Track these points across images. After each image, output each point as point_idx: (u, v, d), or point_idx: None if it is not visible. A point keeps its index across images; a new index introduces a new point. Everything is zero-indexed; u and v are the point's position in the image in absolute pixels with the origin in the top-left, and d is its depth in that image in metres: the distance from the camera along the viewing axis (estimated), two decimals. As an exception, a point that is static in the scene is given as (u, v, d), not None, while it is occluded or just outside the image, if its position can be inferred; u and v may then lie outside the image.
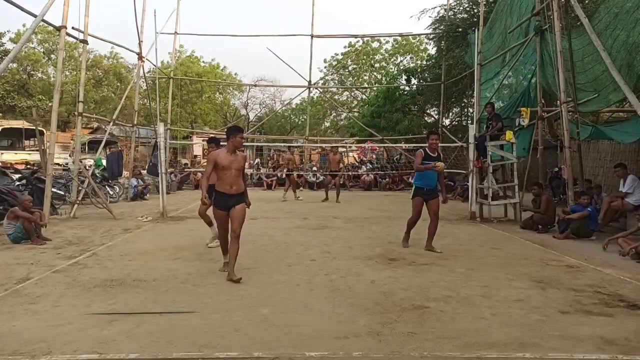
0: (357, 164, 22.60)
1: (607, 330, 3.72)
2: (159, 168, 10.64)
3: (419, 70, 22.42)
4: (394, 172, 19.29)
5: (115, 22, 35.76)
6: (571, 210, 8.13)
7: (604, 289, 4.86)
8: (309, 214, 10.79)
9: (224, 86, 33.56)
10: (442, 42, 19.09)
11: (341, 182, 15.17)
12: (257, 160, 23.50)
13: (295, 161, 17.96)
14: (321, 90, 28.61)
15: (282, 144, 27.32)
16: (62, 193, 11.45)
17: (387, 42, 29.04)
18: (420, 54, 27.69)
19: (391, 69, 28.71)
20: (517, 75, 12.26)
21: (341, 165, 15.95)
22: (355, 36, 25.68)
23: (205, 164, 23.02)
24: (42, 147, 11.15)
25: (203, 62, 33.07)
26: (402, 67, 26.44)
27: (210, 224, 6.65)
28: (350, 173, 19.32)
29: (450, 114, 22.30)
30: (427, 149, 6.92)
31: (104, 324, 3.80)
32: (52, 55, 29.95)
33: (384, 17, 59.52)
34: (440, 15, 19.13)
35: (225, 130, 6.10)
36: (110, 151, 17.85)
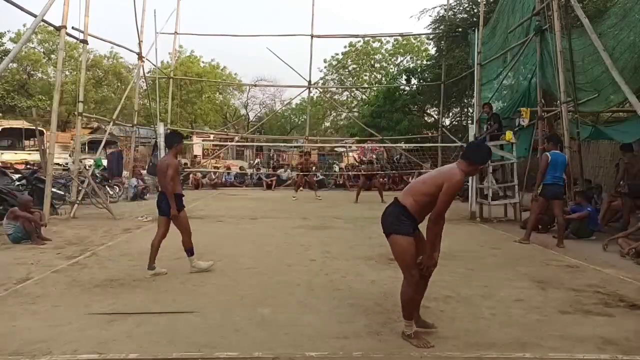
0: (357, 164, 22.59)
1: (607, 330, 3.72)
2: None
3: (419, 70, 22.41)
4: (394, 172, 19.28)
5: (115, 22, 35.71)
6: (571, 210, 8.13)
7: (604, 289, 4.86)
8: (309, 214, 10.78)
9: (224, 86, 33.55)
10: (442, 42, 19.08)
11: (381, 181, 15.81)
12: (257, 160, 23.49)
13: (316, 162, 18.47)
14: (321, 90, 28.60)
15: (282, 144, 27.33)
16: (62, 193, 11.43)
17: (388, 42, 29.08)
18: (421, 54, 27.70)
19: (391, 69, 28.73)
20: (517, 76, 12.24)
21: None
22: (356, 36, 25.66)
23: (204, 164, 22.96)
24: (42, 147, 11.13)
25: (203, 62, 33.09)
26: (402, 67, 26.45)
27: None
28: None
29: (450, 114, 22.31)
30: None
31: (104, 324, 3.80)
32: (52, 55, 29.92)
33: (384, 17, 59.65)
34: (440, 15, 19.14)
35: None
36: (115, 148, 17.86)
